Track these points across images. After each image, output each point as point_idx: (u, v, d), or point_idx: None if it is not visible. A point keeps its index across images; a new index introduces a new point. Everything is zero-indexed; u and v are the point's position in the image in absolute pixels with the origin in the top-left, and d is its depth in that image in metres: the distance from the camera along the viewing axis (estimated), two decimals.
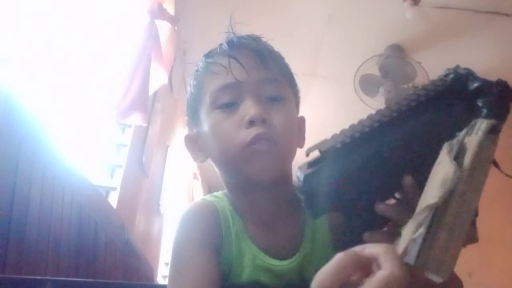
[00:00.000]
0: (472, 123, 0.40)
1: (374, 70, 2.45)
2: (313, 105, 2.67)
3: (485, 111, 0.42)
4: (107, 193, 1.58)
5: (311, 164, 0.41)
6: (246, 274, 0.63)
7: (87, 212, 1.04)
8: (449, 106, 0.45)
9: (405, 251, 0.36)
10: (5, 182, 0.69)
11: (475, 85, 0.44)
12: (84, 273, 0.98)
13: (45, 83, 1.12)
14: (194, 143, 0.73)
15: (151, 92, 1.58)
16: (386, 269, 0.34)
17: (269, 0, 2.21)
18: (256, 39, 0.71)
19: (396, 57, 2.42)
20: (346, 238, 0.40)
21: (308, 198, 0.43)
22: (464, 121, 0.41)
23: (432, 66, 2.40)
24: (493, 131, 0.39)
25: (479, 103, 0.43)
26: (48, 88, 1.14)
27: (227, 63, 0.66)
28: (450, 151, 0.38)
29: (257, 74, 0.66)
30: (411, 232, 0.37)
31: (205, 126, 0.68)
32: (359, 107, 2.54)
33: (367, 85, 2.47)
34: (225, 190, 0.72)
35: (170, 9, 1.77)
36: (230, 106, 0.65)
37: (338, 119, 2.15)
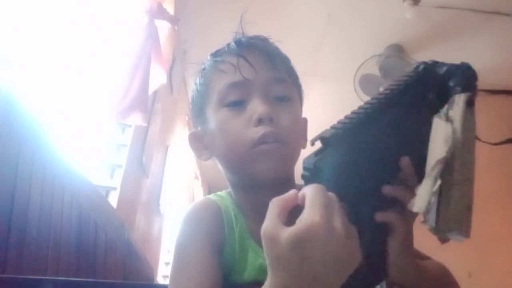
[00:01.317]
0: (451, 99, 0.47)
1: (374, 70, 2.45)
2: (313, 105, 2.67)
3: (458, 88, 0.48)
4: (107, 193, 1.58)
5: (315, 154, 0.42)
6: (248, 273, 0.63)
7: (87, 212, 1.04)
8: (425, 92, 0.51)
9: (425, 212, 0.41)
10: (5, 182, 0.69)
11: (444, 69, 0.52)
12: (84, 273, 0.98)
13: (45, 83, 1.12)
14: (198, 141, 0.73)
15: (150, 92, 1.58)
16: (306, 217, 0.38)
17: (269, 0, 2.21)
18: (264, 40, 0.72)
19: (396, 57, 2.42)
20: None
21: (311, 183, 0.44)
22: (440, 102, 0.48)
23: None
24: (470, 103, 0.46)
25: (451, 83, 0.49)
26: (48, 88, 1.14)
27: (236, 62, 0.66)
28: (441, 118, 0.46)
29: (265, 74, 0.67)
30: (429, 187, 0.42)
31: (212, 124, 0.68)
32: None
33: (367, 85, 2.47)
34: (229, 189, 0.72)
35: (170, 9, 1.77)
36: (238, 104, 0.66)
37: (338, 119, 2.15)
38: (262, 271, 0.62)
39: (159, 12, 1.56)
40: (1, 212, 0.67)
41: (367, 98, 2.56)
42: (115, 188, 1.59)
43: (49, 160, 0.87)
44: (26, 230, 0.73)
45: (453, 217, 0.41)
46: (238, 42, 0.70)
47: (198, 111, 0.73)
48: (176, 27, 1.77)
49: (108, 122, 1.45)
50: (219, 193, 0.72)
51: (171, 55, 1.85)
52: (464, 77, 0.49)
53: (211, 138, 0.69)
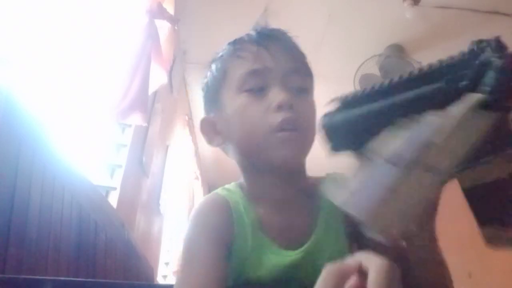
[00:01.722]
0: (463, 97, 0.40)
1: (374, 70, 2.45)
2: None
3: (485, 88, 0.41)
4: (107, 193, 1.58)
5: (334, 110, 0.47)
6: (263, 272, 0.63)
7: (87, 212, 1.04)
8: (458, 78, 0.44)
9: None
10: (5, 182, 0.69)
11: (483, 58, 0.43)
12: (84, 273, 0.98)
13: (45, 83, 1.12)
14: (211, 126, 0.73)
15: (150, 92, 1.58)
16: (375, 264, 0.37)
17: (269, 0, 2.21)
18: (284, 33, 0.73)
19: (396, 57, 2.42)
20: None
21: (328, 133, 0.50)
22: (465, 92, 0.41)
23: None
24: (485, 107, 0.38)
25: (484, 78, 0.41)
26: (48, 88, 1.14)
27: (256, 50, 0.67)
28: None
29: (285, 64, 0.68)
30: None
31: (228, 109, 0.69)
32: None
33: (367, 85, 2.47)
34: (239, 181, 0.72)
35: (170, 9, 1.77)
36: (257, 91, 0.66)
37: None
38: (277, 269, 0.63)
39: (159, 12, 1.56)
40: (1, 212, 0.67)
41: None
42: (115, 188, 1.59)
43: (49, 160, 0.87)
44: (26, 230, 0.73)
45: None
46: (258, 32, 0.71)
47: (213, 97, 0.73)
48: (176, 27, 1.77)
49: (108, 122, 1.45)
50: (227, 186, 0.72)
51: (171, 55, 1.85)
52: (497, 76, 0.41)
53: (226, 123, 0.70)
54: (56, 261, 0.84)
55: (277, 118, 0.63)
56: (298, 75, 0.69)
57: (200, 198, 3.58)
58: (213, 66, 0.75)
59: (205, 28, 2.40)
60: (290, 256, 0.64)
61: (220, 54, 0.74)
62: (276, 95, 0.65)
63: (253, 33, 0.71)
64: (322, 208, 0.69)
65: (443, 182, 0.40)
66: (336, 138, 0.53)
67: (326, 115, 0.53)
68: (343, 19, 2.32)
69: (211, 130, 0.73)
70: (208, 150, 4.02)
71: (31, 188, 0.76)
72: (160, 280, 2.45)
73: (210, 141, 0.73)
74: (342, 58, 2.57)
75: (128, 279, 1.37)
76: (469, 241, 2.26)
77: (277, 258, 0.64)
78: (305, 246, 0.65)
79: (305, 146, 0.66)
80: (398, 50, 2.45)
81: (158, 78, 1.66)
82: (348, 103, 0.52)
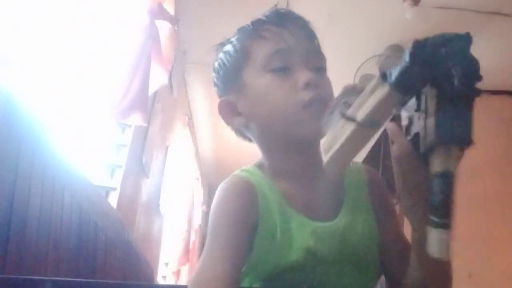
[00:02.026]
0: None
1: (374, 70, 2.45)
2: None
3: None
4: (107, 193, 1.58)
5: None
6: (294, 253, 0.63)
7: (87, 212, 1.04)
8: None
9: None
10: (5, 182, 0.69)
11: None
12: (84, 274, 0.98)
13: (45, 83, 1.12)
14: (231, 107, 0.74)
15: (151, 92, 1.57)
16: None
17: (269, 0, 2.21)
18: (299, 15, 0.76)
19: (396, 57, 2.41)
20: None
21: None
22: None
23: None
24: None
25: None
26: (48, 88, 1.14)
27: (280, 31, 0.70)
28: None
29: (305, 44, 0.72)
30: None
31: (253, 89, 0.71)
32: None
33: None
34: (256, 163, 0.73)
35: (170, 9, 1.77)
36: (282, 71, 0.69)
37: None
38: (307, 235, 0.63)
39: (159, 12, 1.56)
40: (1, 212, 0.67)
41: None
42: (115, 188, 1.59)
43: (49, 160, 0.86)
44: (26, 230, 0.73)
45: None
46: (276, 13, 0.74)
47: (233, 78, 0.74)
48: (176, 27, 1.77)
49: (108, 122, 1.45)
50: (245, 168, 0.72)
51: (173, 55, 1.85)
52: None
53: (249, 103, 0.71)
54: (56, 261, 0.84)
55: (307, 95, 0.66)
56: (317, 55, 0.74)
57: (200, 198, 3.58)
58: (229, 48, 0.74)
59: (205, 28, 2.39)
60: (320, 228, 0.65)
61: (238, 35, 0.75)
62: (303, 74, 0.68)
63: (271, 14, 0.74)
64: (347, 186, 0.72)
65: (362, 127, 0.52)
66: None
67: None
68: (343, 19, 2.32)
69: (231, 111, 0.74)
70: (209, 151, 4.02)
71: (31, 188, 0.76)
72: (159, 280, 2.45)
73: (230, 122, 0.74)
74: (342, 58, 2.57)
75: (128, 280, 1.37)
76: (469, 241, 2.26)
77: (307, 229, 0.64)
78: (336, 220, 0.67)
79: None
80: (398, 50, 2.44)
81: (159, 78, 1.66)
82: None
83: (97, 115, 1.28)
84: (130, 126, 1.70)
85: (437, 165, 0.47)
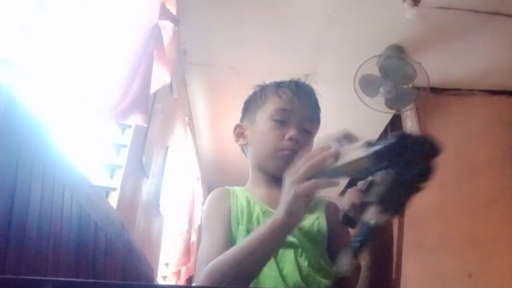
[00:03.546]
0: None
1: (374, 71, 2.45)
2: None
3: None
4: (107, 193, 1.58)
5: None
6: (254, 219, 0.94)
7: (87, 212, 1.04)
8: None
9: None
10: (5, 182, 0.69)
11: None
12: (84, 274, 0.98)
13: (46, 83, 1.12)
14: (241, 130, 1.08)
15: (152, 91, 1.57)
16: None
17: (269, 0, 2.21)
18: (313, 90, 1.06)
19: (396, 57, 2.41)
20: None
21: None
22: None
23: (432, 67, 2.40)
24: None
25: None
26: (49, 88, 1.14)
27: (292, 96, 1.01)
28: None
29: (305, 111, 1.01)
30: None
31: (259, 126, 1.02)
32: (359, 107, 2.54)
33: (367, 85, 2.47)
34: (244, 186, 1.06)
35: (172, 9, 1.77)
36: (281, 123, 0.99)
37: (338, 119, 2.15)
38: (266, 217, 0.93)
39: (163, 12, 1.56)
40: (1, 212, 0.67)
41: (367, 99, 2.56)
42: (115, 189, 1.59)
43: (49, 160, 0.86)
44: (26, 231, 0.73)
45: None
46: (297, 84, 1.04)
47: (251, 112, 1.07)
48: (176, 28, 1.77)
49: (108, 123, 1.45)
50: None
51: (174, 56, 1.85)
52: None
53: (253, 134, 1.04)
54: (56, 261, 0.84)
55: (286, 145, 0.97)
56: (311, 122, 1.02)
57: (200, 199, 3.58)
58: (258, 91, 1.08)
59: (205, 29, 2.39)
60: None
61: (266, 85, 1.08)
62: (291, 131, 0.97)
63: (292, 82, 1.04)
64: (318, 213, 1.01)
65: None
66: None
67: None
68: (343, 19, 2.32)
69: (241, 133, 1.08)
70: (209, 151, 4.02)
71: (31, 188, 0.76)
72: (160, 280, 2.45)
73: (236, 140, 1.09)
74: (342, 58, 2.57)
75: (128, 280, 1.37)
76: (469, 241, 2.26)
77: (268, 213, 0.95)
78: None
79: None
80: (398, 51, 2.44)
81: (161, 78, 1.66)
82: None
83: (97, 115, 1.28)
84: (130, 126, 1.70)
85: (370, 216, 0.63)
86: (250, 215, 0.94)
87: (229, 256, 0.77)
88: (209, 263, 0.80)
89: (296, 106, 0.99)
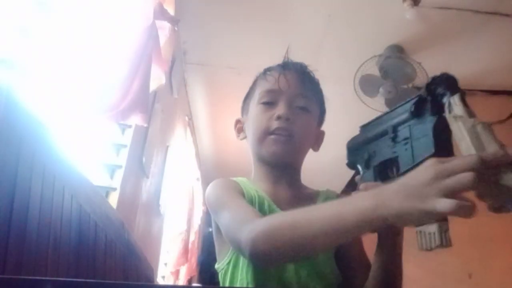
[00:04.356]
0: (446, 103, 0.61)
1: (374, 71, 2.45)
2: None
3: (448, 92, 0.61)
4: (107, 193, 1.58)
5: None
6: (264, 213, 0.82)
7: (87, 212, 1.04)
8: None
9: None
10: (5, 182, 0.69)
11: (430, 82, 0.64)
12: (84, 274, 0.98)
13: (46, 83, 1.12)
14: (240, 125, 1.02)
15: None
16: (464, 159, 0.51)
17: (269, 0, 2.21)
18: (302, 66, 0.98)
19: (396, 57, 2.41)
20: None
21: (347, 152, 0.82)
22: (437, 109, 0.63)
23: (432, 66, 2.40)
24: (463, 100, 0.60)
25: (440, 91, 0.62)
26: (49, 88, 1.14)
27: (277, 76, 0.93)
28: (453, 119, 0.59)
29: (295, 89, 0.92)
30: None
31: (250, 114, 0.96)
32: (359, 107, 2.54)
33: (367, 85, 2.47)
34: (247, 178, 0.95)
35: (170, 10, 1.77)
36: (269, 104, 0.92)
37: (338, 119, 2.15)
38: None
39: (160, 12, 1.56)
40: (1, 212, 0.67)
41: (367, 99, 2.56)
42: (115, 189, 1.59)
43: (49, 160, 0.86)
44: (26, 231, 0.73)
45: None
46: (284, 63, 0.97)
47: (245, 104, 1.01)
48: (176, 28, 1.77)
49: (108, 123, 1.45)
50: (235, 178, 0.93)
51: (171, 56, 1.85)
52: (447, 83, 0.62)
53: (247, 124, 0.97)
54: (56, 261, 0.84)
55: (274, 125, 0.88)
56: (303, 98, 0.93)
57: (200, 199, 3.58)
58: (252, 84, 1.01)
59: (205, 29, 2.39)
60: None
61: (256, 75, 1.01)
62: (279, 109, 0.89)
63: (280, 65, 0.97)
64: (318, 201, 0.91)
65: None
66: (349, 157, 0.81)
67: (350, 140, 0.81)
68: (343, 19, 2.32)
69: (239, 128, 1.02)
70: (209, 151, 4.02)
71: (31, 188, 0.76)
72: (159, 280, 2.45)
73: (237, 135, 1.02)
74: (342, 58, 2.57)
75: (128, 280, 1.37)
76: (469, 241, 2.26)
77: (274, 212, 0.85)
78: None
79: (292, 148, 0.89)
80: (398, 51, 2.44)
81: (157, 79, 1.66)
82: (364, 128, 0.79)
83: (97, 115, 1.28)
84: (130, 126, 1.70)
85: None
86: (261, 210, 0.84)
87: (298, 222, 0.63)
88: (253, 220, 0.69)
89: (283, 84, 0.91)
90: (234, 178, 0.91)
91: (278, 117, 0.88)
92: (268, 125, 0.88)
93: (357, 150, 0.78)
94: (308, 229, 0.61)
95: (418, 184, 0.51)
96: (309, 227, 0.61)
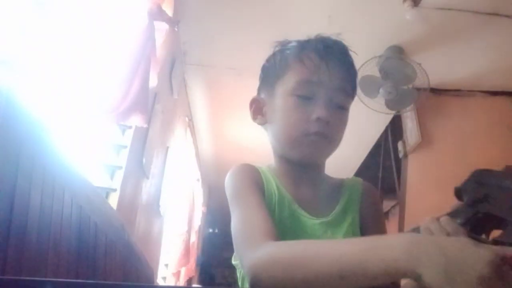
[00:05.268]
0: None
1: (374, 71, 2.45)
2: None
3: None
4: (107, 194, 1.58)
5: None
6: (290, 231, 0.75)
7: (87, 213, 1.04)
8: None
9: None
10: (6, 183, 0.69)
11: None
12: (84, 275, 0.98)
13: (46, 84, 1.12)
14: (259, 105, 0.87)
15: None
16: None
17: (269, 0, 2.21)
18: (345, 51, 0.86)
19: (396, 58, 2.41)
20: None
21: None
22: None
23: (432, 67, 2.40)
24: None
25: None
26: (49, 89, 1.14)
27: (319, 63, 0.79)
28: None
29: (336, 82, 0.80)
30: None
31: (279, 102, 0.82)
32: (359, 108, 2.54)
33: (367, 86, 2.47)
34: (268, 165, 0.86)
35: (169, 11, 1.77)
36: (306, 99, 0.79)
37: None
38: (293, 219, 0.78)
39: (158, 13, 1.56)
40: (1, 213, 0.67)
41: (367, 99, 2.56)
42: (115, 190, 1.59)
43: (49, 161, 0.86)
44: (26, 232, 0.73)
45: None
46: (326, 44, 0.83)
47: (269, 84, 0.86)
48: (176, 29, 1.77)
49: (108, 124, 1.45)
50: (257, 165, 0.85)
51: (168, 57, 1.85)
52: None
53: (272, 110, 0.84)
54: (56, 262, 0.84)
55: (314, 127, 0.77)
56: (343, 94, 0.82)
57: (200, 200, 3.58)
58: (278, 56, 0.86)
59: (205, 29, 2.39)
60: (311, 221, 0.78)
61: (286, 47, 0.86)
62: (319, 109, 0.78)
63: (319, 42, 0.84)
64: (343, 195, 0.84)
65: None
66: (466, 185, 0.74)
67: (486, 171, 0.72)
68: (343, 20, 2.32)
69: (258, 109, 0.87)
70: (209, 152, 4.02)
71: (31, 189, 0.76)
72: (159, 281, 2.45)
73: (254, 117, 0.88)
74: None
75: (128, 281, 1.37)
76: None
77: (300, 220, 0.78)
78: (327, 218, 0.80)
79: (327, 152, 0.82)
80: (398, 52, 2.44)
81: (151, 80, 1.65)
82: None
83: (98, 116, 1.28)
84: (130, 127, 1.70)
85: None
86: (281, 208, 0.78)
87: (310, 258, 0.55)
88: (263, 236, 0.63)
89: (324, 75, 0.78)
90: (257, 166, 0.83)
91: (318, 119, 0.77)
92: (305, 126, 0.78)
93: (480, 185, 0.68)
94: (316, 270, 0.53)
95: (469, 275, 0.43)
96: (318, 267, 0.53)
